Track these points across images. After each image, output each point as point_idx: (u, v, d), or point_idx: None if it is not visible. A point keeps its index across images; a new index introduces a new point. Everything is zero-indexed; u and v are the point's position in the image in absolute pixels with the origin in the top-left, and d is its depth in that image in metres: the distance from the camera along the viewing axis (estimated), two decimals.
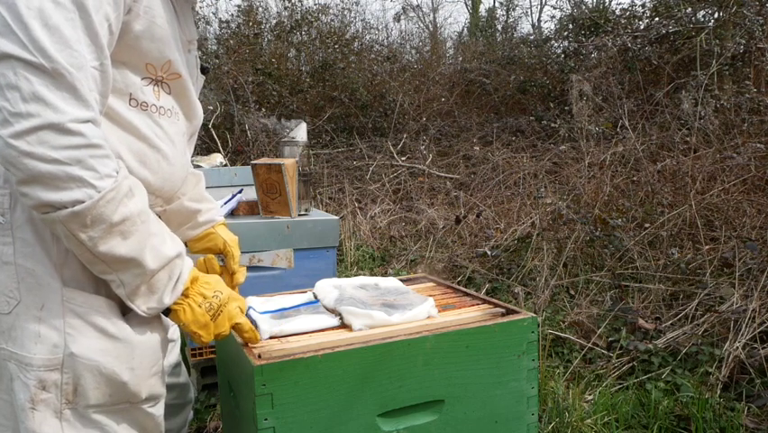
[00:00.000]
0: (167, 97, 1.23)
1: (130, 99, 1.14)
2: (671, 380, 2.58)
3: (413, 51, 10.18)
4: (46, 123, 0.93)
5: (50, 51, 0.94)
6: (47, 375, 1.09)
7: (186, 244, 1.45)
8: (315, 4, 9.09)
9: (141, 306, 1.13)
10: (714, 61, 5.50)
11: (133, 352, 1.17)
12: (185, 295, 1.17)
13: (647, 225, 3.82)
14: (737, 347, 2.59)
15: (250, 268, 1.62)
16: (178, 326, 1.21)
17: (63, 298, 1.10)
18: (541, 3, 14.91)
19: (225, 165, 3.93)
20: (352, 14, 9.91)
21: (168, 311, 1.17)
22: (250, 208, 2.59)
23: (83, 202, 0.97)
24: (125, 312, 1.18)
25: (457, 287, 1.76)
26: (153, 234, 1.10)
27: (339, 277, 2.06)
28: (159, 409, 1.26)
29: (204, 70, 1.40)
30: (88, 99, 0.98)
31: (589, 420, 2.29)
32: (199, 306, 1.18)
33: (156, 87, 1.19)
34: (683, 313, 3.02)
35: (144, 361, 1.19)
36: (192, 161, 1.50)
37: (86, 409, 1.14)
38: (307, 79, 8.15)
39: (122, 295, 1.11)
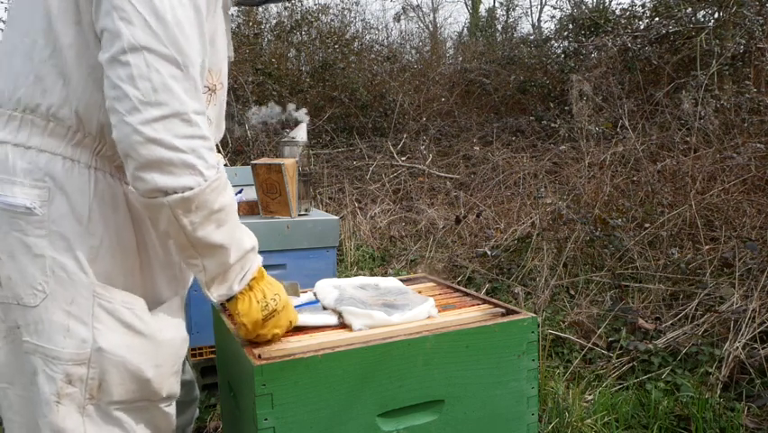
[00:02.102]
0: (212, 108, 1.26)
1: None
2: (671, 380, 2.58)
3: (413, 51, 10.17)
4: (173, 112, 0.99)
5: (182, 45, 1.01)
6: (74, 369, 1.10)
7: None
8: (315, 4, 9.09)
9: (214, 293, 1.17)
10: (714, 61, 5.50)
11: (159, 349, 1.19)
12: (249, 287, 1.21)
13: (647, 225, 3.82)
14: (737, 347, 2.59)
15: None
16: (232, 316, 1.25)
17: (93, 293, 1.11)
18: (541, 3, 14.91)
19: (225, 165, 3.93)
20: (352, 14, 9.92)
21: (228, 299, 1.21)
22: (250, 208, 2.59)
23: (192, 189, 1.03)
24: (151, 309, 1.21)
25: (457, 287, 1.76)
26: (238, 226, 1.16)
27: (339, 277, 2.07)
28: (173, 409, 1.28)
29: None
30: (201, 93, 1.05)
31: (589, 420, 2.29)
32: (258, 302, 1.21)
33: (209, 96, 1.22)
34: (683, 313, 3.02)
35: (168, 359, 1.21)
36: None
37: (108, 406, 1.15)
38: (307, 79, 8.15)
39: (201, 280, 1.16)
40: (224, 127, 1.38)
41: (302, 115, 2.74)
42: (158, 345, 1.18)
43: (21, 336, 1.12)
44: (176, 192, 1.02)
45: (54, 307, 1.09)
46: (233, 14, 8.90)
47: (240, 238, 1.16)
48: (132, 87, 0.97)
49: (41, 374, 1.10)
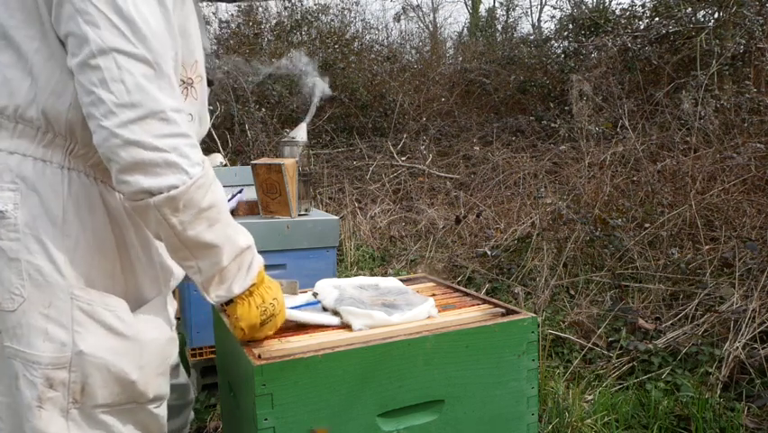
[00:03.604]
0: (194, 103, 1.23)
1: None
2: (671, 380, 2.58)
3: (413, 51, 10.17)
4: (149, 112, 0.98)
5: (150, 42, 0.99)
6: (54, 374, 1.08)
7: None
8: (315, 4, 9.08)
9: (212, 293, 1.17)
10: (714, 61, 5.51)
11: (142, 350, 1.17)
12: (249, 291, 1.20)
13: (647, 225, 3.82)
14: (737, 347, 2.59)
15: None
16: (230, 318, 1.24)
17: (71, 295, 1.09)
18: (541, 3, 14.91)
19: (225, 165, 3.93)
20: (352, 14, 9.91)
21: (228, 301, 1.20)
22: (250, 208, 2.59)
23: (177, 187, 1.02)
24: (133, 310, 1.19)
25: (457, 287, 1.76)
26: (231, 225, 1.14)
27: (339, 277, 2.07)
28: (162, 410, 1.26)
29: (209, 83, 1.41)
30: (177, 89, 1.03)
31: (589, 420, 2.29)
32: (257, 307, 1.21)
33: (185, 91, 1.19)
34: (683, 313, 3.02)
35: (152, 360, 1.19)
36: None
37: (93, 409, 1.13)
38: None
39: (197, 282, 1.15)
40: (208, 122, 1.35)
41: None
42: (141, 346, 1.16)
43: (2, 341, 1.10)
44: (161, 192, 1.01)
45: (32, 311, 1.07)
46: (233, 14, 8.92)
47: (233, 237, 1.14)
48: (105, 90, 0.97)
49: (22, 379, 1.09)
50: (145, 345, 1.17)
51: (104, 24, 0.97)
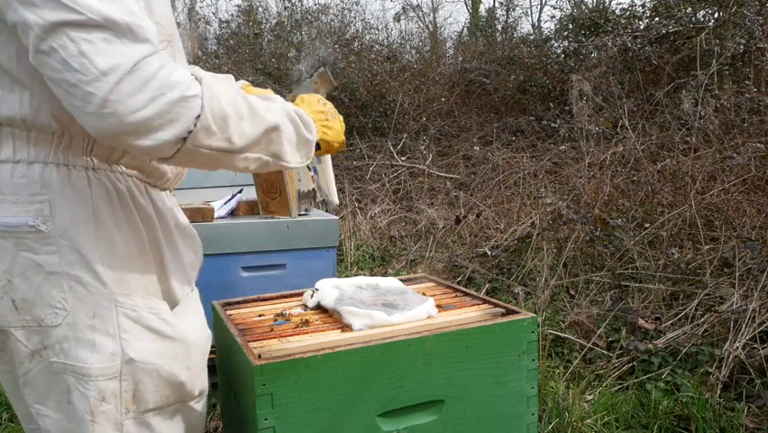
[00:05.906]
0: (182, 60, 1.19)
1: None
2: (671, 380, 2.58)
3: (413, 51, 10.17)
4: (124, 73, 0.87)
5: (95, 5, 0.87)
6: (106, 385, 1.05)
7: None
8: (315, 4, 9.10)
9: (299, 160, 1.18)
10: (714, 61, 5.50)
11: (189, 350, 1.16)
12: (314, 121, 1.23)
13: (647, 225, 3.82)
14: (737, 347, 2.59)
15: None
16: (329, 148, 1.32)
17: (115, 303, 1.06)
18: (541, 3, 14.89)
19: None
20: (352, 14, 9.92)
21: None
22: (250, 208, 2.59)
23: (198, 114, 0.93)
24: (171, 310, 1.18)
25: (457, 287, 1.76)
26: (256, 101, 1.08)
27: (339, 277, 2.07)
28: (202, 405, 1.27)
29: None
30: (148, 36, 0.92)
31: (589, 420, 2.29)
32: (326, 121, 1.31)
33: (171, 49, 1.13)
34: (683, 313, 3.02)
35: (198, 358, 1.20)
36: None
37: (142, 415, 1.12)
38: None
39: (281, 166, 1.14)
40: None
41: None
42: (187, 346, 1.15)
43: (48, 357, 1.06)
44: (191, 130, 0.92)
45: (77, 323, 1.04)
46: (232, 14, 8.93)
47: (266, 106, 1.09)
48: (70, 72, 0.85)
49: (75, 393, 1.06)
50: (190, 345, 1.17)
51: (40, 1, 0.85)
